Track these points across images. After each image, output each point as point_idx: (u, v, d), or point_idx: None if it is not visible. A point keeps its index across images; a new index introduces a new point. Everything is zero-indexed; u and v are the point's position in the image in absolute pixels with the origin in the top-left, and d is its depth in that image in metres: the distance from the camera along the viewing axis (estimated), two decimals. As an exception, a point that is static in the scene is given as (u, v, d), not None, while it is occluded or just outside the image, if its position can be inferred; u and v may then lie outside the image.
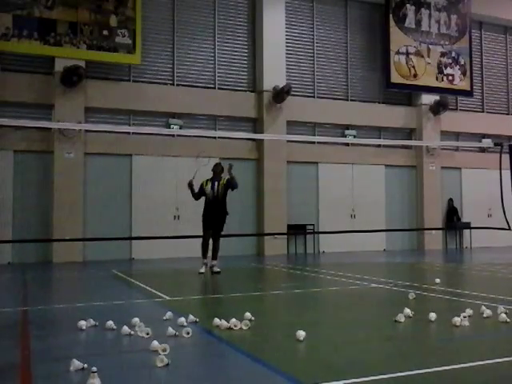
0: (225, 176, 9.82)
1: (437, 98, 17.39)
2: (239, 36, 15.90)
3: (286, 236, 15.38)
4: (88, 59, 13.67)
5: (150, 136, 14.23)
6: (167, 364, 3.45)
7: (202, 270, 9.55)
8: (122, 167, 14.19)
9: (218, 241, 9.84)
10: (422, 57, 17.54)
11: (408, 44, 17.33)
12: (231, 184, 9.66)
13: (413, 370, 3.32)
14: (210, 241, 9.79)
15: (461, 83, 18.00)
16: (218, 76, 15.52)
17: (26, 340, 4.45)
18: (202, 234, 9.68)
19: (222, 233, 9.92)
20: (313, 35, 16.70)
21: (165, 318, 4.98)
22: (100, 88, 13.97)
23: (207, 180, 9.85)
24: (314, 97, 16.52)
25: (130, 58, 14.10)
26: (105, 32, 13.84)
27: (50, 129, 13.42)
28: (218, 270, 9.60)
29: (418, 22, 17.49)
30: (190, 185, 9.63)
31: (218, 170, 9.85)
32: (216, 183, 9.72)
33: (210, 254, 9.80)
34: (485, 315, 4.98)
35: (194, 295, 7.08)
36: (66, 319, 5.39)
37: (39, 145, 13.43)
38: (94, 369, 3.10)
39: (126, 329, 4.45)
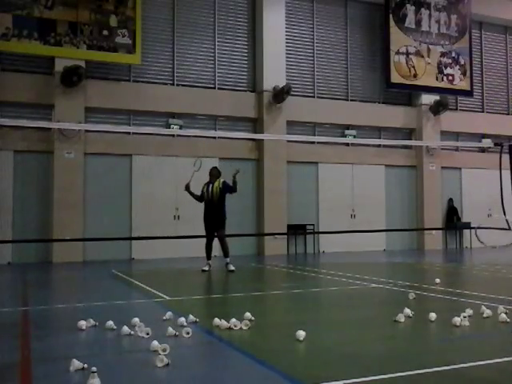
0: (223, 179, 9.96)
1: (437, 98, 17.39)
2: (239, 36, 15.90)
3: (286, 236, 15.38)
4: (88, 59, 13.67)
5: (149, 136, 14.23)
6: (167, 364, 3.45)
7: (206, 268, 9.83)
8: (121, 167, 14.19)
9: (223, 240, 9.95)
10: (422, 57, 17.54)
11: (408, 44, 17.32)
12: (228, 187, 9.81)
13: (413, 369, 3.32)
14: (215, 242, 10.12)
15: (461, 83, 18.00)
16: (218, 76, 15.52)
17: (26, 340, 4.45)
18: (201, 234, 9.87)
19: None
20: (313, 35, 16.69)
21: (165, 318, 4.98)
22: (100, 88, 13.97)
23: (206, 183, 10.05)
24: (314, 97, 16.53)
25: (130, 57, 14.10)
26: (105, 32, 13.84)
27: (50, 129, 13.42)
28: (232, 268, 9.75)
29: (418, 22, 17.48)
30: (187, 187, 9.85)
31: (213, 172, 10.03)
32: (211, 186, 9.90)
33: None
34: (485, 315, 4.98)
35: (194, 295, 7.07)
36: (66, 319, 5.39)
37: (39, 145, 13.43)
38: (94, 369, 3.10)
39: (125, 329, 4.44)
